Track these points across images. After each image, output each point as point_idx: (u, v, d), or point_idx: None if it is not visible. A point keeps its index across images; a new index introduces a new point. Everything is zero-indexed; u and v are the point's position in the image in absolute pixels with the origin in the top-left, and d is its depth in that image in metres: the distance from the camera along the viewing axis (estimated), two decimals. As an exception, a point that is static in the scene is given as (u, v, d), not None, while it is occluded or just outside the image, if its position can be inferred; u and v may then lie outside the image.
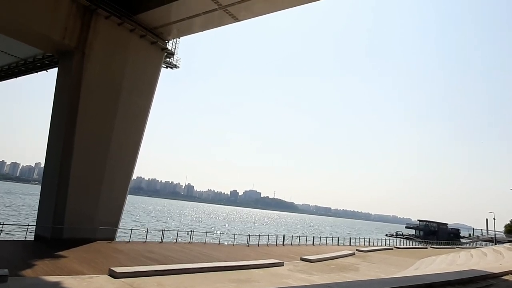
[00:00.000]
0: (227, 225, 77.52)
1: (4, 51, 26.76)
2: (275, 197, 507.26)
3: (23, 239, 20.62)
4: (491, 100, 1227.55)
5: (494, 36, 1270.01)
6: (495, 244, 50.67)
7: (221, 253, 21.35)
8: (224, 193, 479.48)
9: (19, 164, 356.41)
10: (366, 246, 36.57)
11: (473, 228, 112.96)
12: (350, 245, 37.72)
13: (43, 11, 19.78)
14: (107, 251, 18.34)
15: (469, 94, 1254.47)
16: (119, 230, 24.61)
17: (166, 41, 26.19)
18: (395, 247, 40.10)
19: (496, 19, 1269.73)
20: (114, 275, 11.49)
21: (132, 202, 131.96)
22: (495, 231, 77.76)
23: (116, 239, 23.52)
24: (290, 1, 20.83)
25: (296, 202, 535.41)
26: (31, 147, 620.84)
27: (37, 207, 22.99)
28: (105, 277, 11.44)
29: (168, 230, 29.14)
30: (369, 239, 45.10)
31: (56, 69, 24.38)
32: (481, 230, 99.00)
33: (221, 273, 13.84)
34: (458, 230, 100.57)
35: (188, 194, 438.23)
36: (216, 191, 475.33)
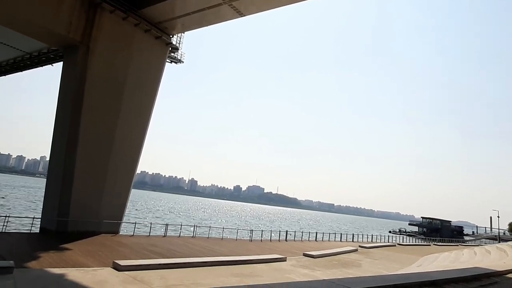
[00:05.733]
0: (230, 220, 77.78)
1: (9, 45, 26.87)
2: (278, 192, 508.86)
3: (29, 231, 20.82)
4: (496, 96, 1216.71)
5: (496, 34, 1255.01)
6: (499, 242, 50.43)
7: (224, 248, 21.44)
8: (227, 188, 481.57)
9: (24, 157, 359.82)
10: (369, 243, 36.54)
11: (476, 226, 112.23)
12: (352, 241, 37.73)
13: (48, 5, 19.79)
14: (111, 244, 18.49)
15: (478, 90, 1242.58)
16: (123, 223, 24.79)
17: (171, 36, 26.13)
18: (398, 244, 40.04)
19: (498, 16, 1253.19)
20: (118, 268, 11.57)
21: (135, 196, 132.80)
22: (499, 229, 77.37)
23: (120, 233, 23.70)
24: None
25: (299, 198, 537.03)
26: (36, 141, 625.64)
27: (42, 200, 23.19)
28: (109, 269, 11.53)
29: (171, 224, 29.30)
30: (372, 235, 45.07)
31: (61, 63, 24.45)
32: (485, 228, 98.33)
33: (224, 267, 13.90)
34: (461, 227, 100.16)
35: (191, 189, 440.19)
36: (219, 186, 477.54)
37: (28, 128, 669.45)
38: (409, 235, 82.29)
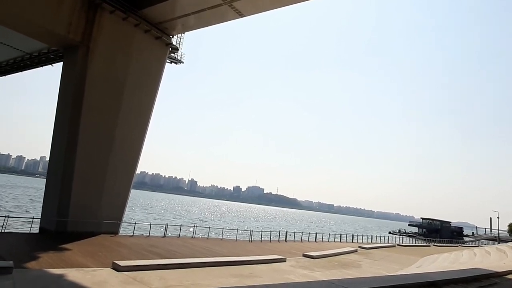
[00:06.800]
0: (230, 221, 77.72)
1: (10, 45, 26.87)
2: (278, 193, 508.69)
3: (28, 231, 20.81)
4: (496, 96, 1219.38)
5: (497, 34, 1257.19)
6: (499, 243, 50.41)
7: (223, 248, 21.43)
8: (227, 188, 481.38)
9: (24, 157, 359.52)
10: (369, 243, 36.53)
11: (476, 227, 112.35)
12: (352, 242, 37.72)
13: (48, 6, 19.79)
14: (110, 245, 18.48)
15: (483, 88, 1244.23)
16: (122, 224, 24.77)
17: (171, 36, 26.14)
18: (397, 245, 40.05)
19: (498, 16, 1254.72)
20: (117, 268, 11.56)
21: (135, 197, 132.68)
22: (498, 230, 77.27)
23: (120, 233, 23.69)
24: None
25: (299, 199, 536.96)
26: (36, 141, 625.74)
27: (41, 200, 23.16)
28: (109, 270, 11.52)
29: (171, 225, 29.29)
30: (371, 236, 45.07)
31: (61, 63, 24.46)
32: (485, 228, 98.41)
33: (224, 268, 13.89)
34: (461, 228, 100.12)
35: (191, 189, 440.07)
36: (219, 187, 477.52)
37: (28, 128, 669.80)
38: (409, 236, 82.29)
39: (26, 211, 43.61)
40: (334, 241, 36.00)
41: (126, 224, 28.06)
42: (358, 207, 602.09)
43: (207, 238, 26.08)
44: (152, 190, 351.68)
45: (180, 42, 27.54)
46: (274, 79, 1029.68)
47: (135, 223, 25.35)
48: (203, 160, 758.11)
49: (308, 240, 33.62)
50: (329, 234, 38.91)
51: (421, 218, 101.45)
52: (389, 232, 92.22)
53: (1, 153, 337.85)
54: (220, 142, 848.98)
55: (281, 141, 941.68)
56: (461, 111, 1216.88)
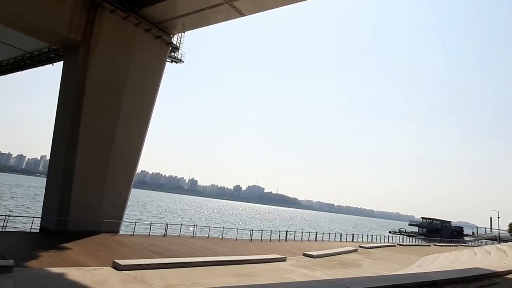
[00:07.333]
0: (230, 220, 77.73)
1: (10, 44, 26.87)
2: (279, 192, 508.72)
3: (29, 230, 20.83)
4: (496, 96, 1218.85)
5: (497, 34, 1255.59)
6: (499, 243, 50.35)
7: (224, 248, 21.44)
8: (227, 188, 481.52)
9: (25, 156, 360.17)
10: (369, 243, 36.52)
11: (476, 226, 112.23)
12: (352, 241, 37.72)
13: (49, 5, 19.79)
14: (111, 244, 18.50)
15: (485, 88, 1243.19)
16: (123, 223, 24.81)
17: (171, 36, 26.14)
18: (398, 244, 40.02)
19: (498, 16, 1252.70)
20: (117, 267, 11.57)
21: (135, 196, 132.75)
22: (499, 229, 77.24)
23: (120, 232, 23.71)
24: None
25: (299, 198, 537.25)
26: (36, 140, 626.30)
27: (41, 199, 23.18)
28: (109, 269, 11.53)
29: (171, 224, 29.31)
30: (372, 235, 45.05)
31: (62, 62, 24.46)
32: (485, 228, 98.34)
33: (224, 267, 13.89)
34: (461, 228, 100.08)
35: (191, 188, 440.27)
36: (219, 186, 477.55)
37: (28, 128, 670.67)
38: (409, 236, 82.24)
39: (27, 210, 43.63)
40: (334, 241, 35.99)
41: (127, 223, 28.09)
42: (359, 207, 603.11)
43: (208, 237, 26.09)
44: (153, 189, 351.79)
45: (180, 41, 27.55)
46: (273, 79, 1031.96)
47: (136, 222, 25.38)
48: (203, 159, 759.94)
49: (308, 240, 33.61)
50: (329, 233, 38.90)
51: (422, 217, 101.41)
52: (390, 232, 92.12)
53: (2, 152, 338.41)
54: (220, 142, 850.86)
55: (281, 140, 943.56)
56: (461, 111, 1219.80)
